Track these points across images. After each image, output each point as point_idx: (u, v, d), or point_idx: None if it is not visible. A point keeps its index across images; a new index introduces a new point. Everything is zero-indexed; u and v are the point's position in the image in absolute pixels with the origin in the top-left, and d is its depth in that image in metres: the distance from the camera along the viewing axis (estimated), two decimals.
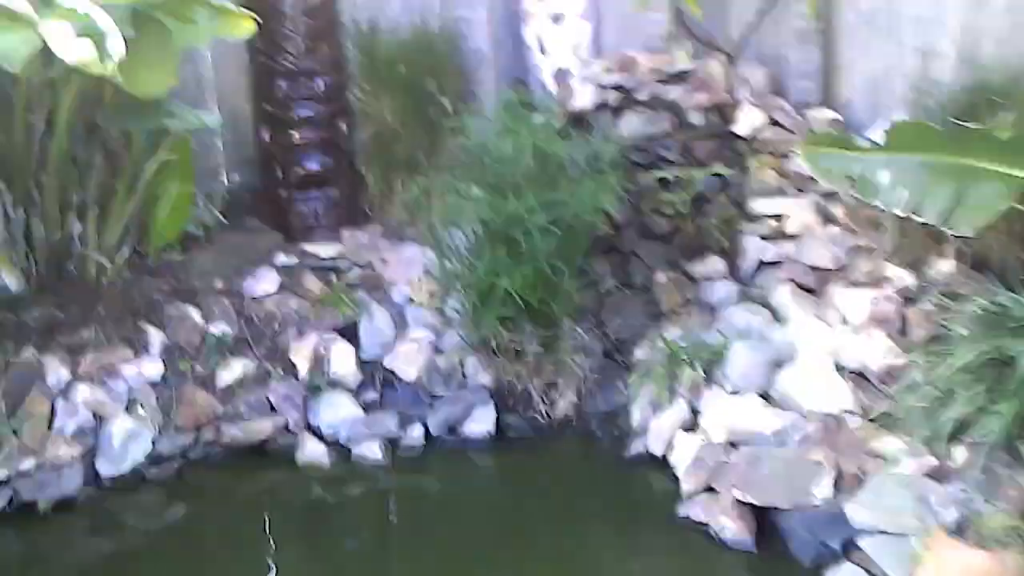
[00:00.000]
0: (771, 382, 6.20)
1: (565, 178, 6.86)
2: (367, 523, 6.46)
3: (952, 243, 6.22)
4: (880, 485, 5.06)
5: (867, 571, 4.84)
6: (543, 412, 6.97)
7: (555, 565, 5.74)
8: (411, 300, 7.65)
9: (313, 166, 8.51)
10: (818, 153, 5.79)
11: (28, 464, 6.29)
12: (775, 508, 5.44)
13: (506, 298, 6.68)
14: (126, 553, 6.15)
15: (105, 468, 6.54)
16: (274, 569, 5.86)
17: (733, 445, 5.93)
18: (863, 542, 4.89)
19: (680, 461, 6.17)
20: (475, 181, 6.90)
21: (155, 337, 7.16)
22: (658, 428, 6.46)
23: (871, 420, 5.62)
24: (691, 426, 6.33)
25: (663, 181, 7.32)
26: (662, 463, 6.37)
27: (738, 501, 5.53)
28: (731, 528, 5.49)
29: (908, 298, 6.22)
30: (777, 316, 6.75)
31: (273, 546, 6.10)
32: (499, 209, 6.64)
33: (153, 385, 6.96)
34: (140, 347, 7.10)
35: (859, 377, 5.96)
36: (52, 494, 6.30)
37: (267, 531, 6.26)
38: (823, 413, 5.78)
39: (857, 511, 4.98)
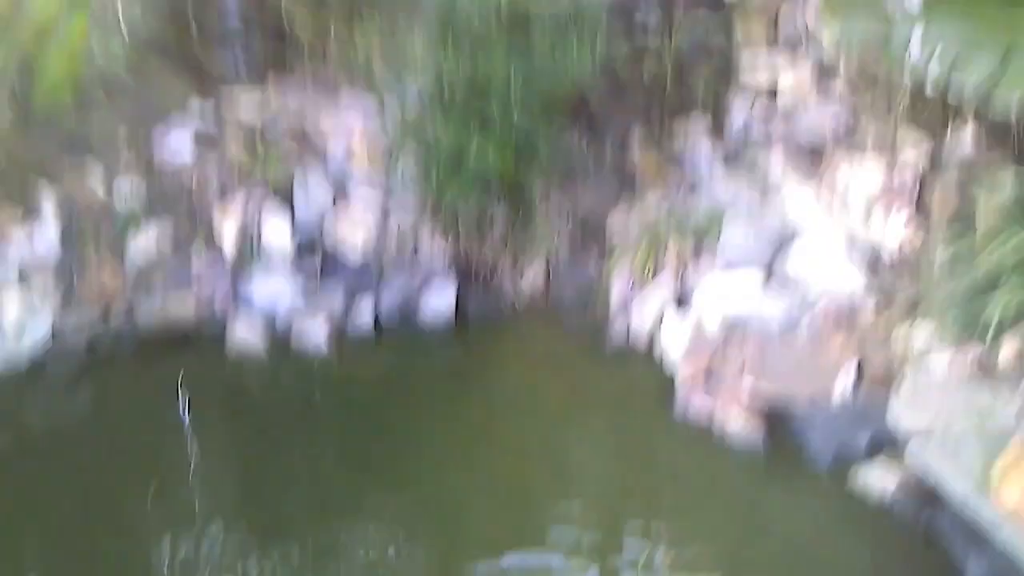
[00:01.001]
0: (773, 260, 5.55)
1: (542, 39, 5.92)
2: (303, 417, 5.52)
3: (968, 115, 5.59)
4: (919, 382, 4.49)
5: (899, 476, 4.33)
6: (509, 292, 6.21)
7: (528, 467, 4.97)
8: (352, 160, 6.65)
9: (231, 7, 7.26)
10: (837, 13, 5.04)
11: None
12: (787, 404, 4.86)
13: (472, 167, 5.81)
14: (25, 450, 5.14)
15: None
16: (191, 467, 5.01)
17: (733, 331, 5.30)
18: (905, 446, 4.33)
19: (670, 348, 5.52)
20: (439, 37, 5.88)
21: (49, 197, 6.05)
22: (641, 310, 5.78)
23: (891, 307, 5.04)
24: (681, 308, 5.66)
25: (642, 42, 6.47)
26: (646, 350, 5.71)
27: (745, 396, 4.92)
28: (737, 424, 4.88)
29: (925, 172, 5.60)
30: (769, 187, 6.08)
31: (190, 435, 5.21)
32: (465, 70, 5.70)
33: (48, 255, 5.93)
34: (31, 209, 6.00)
35: (872, 258, 5.35)
36: None
37: (185, 419, 5.32)
38: (835, 297, 5.17)
39: (900, 411, 4.40)
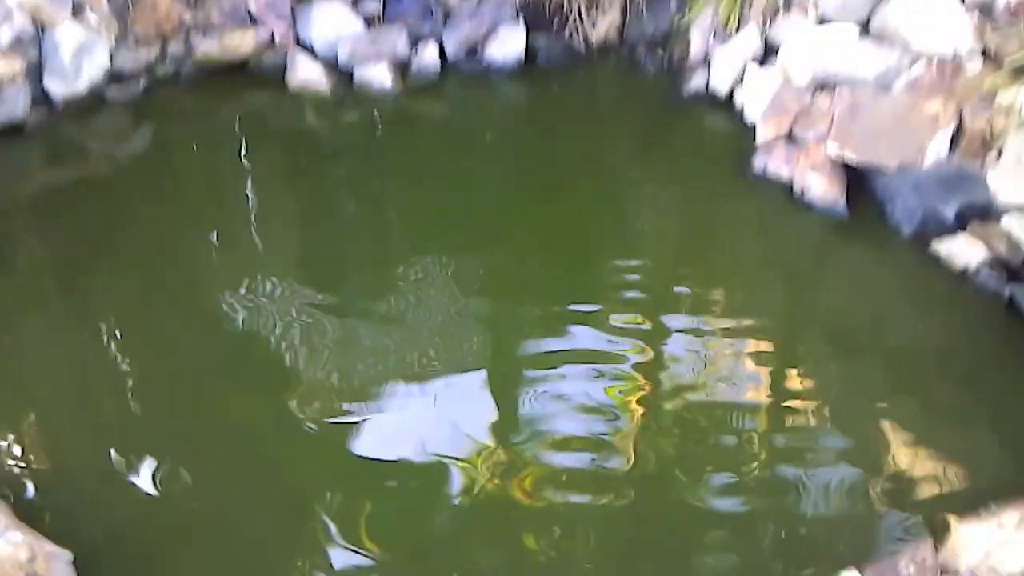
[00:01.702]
0: (871, 14, 5.12)
1: None
2: (364, 153, 5.43)
3: None
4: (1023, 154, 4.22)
5: (986, 249, 4.17)
6: (582, 35, 5.86)
7: (595, 217, 4.86)
8: None
9: None
10: None
11: None
12: (874, 168, 4.63)
13: None
14: (87, 181, 5.14)
15: (57, 87, 5.37)
16: (251, 198, 5.01)
17: (822, 87, 4.99)
18: (998, 219, 4.13)
19: (751, 102, 5.24)
20: None
21: None
22: (723, 60, 5.44)
23: (999, 70, 4.66)
24: (766, 61, 5.33)
25: None
26: (726, 103, 5.43)
27: (829, 157, 4.70)
28: (819, 187, 4.68)
29: None
30: None
31: (252, 174, 5.19)
32: None
33: None
34: None
35: (982, 14, 4.91)
36: None
37: (246, 158, 5.31)
38: (937, 55, 4.80)
39: (998, 182, 4.14)
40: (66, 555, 2.82)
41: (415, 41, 5.84)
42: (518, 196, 5.02)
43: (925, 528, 2.92)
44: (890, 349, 3.89)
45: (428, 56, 5.82)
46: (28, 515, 3.00)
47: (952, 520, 2.80)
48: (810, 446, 3.43)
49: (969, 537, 2.63)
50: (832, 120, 4.77)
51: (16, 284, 4.30)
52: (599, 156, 5.29)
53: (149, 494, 3.19)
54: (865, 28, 5.08)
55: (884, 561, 2.54)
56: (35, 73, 5.32)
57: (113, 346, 3.94)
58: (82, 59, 5.42)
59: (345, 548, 3.00)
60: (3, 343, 3.95)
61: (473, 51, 5.86)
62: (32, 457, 3.38)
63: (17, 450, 3.41)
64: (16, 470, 3.30)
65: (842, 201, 4.65)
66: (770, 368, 3.80)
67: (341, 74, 5.79)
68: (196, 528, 3.09)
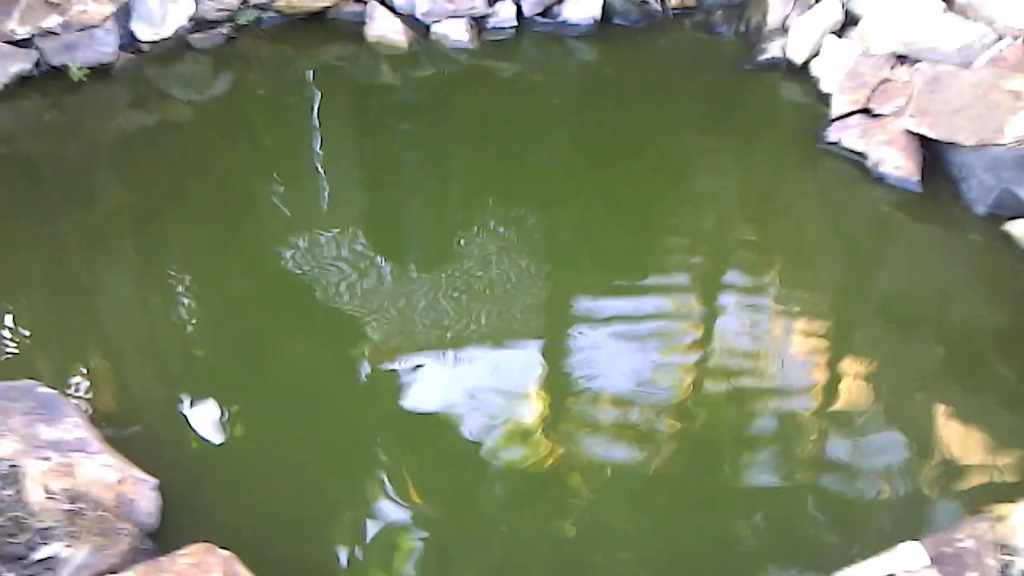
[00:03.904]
0: None
1: None
2: (436, 109, 5.51)
3: None
4: None
5: None
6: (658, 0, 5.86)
7: (666, 180, 4.88)
8: None
9: None
10: None
11: (53, 22, 5.27)
12: (950, 145, 4.59)
13: None
14: (169, 124, 5.33)
15: (143, 32, 5.54)
16: (321, 151, 5.12)
17: (901, 60, 4.94)
18: None
19: (828, 73, 5.21)
20: None
21: None
22: (801, 29, 5.40)
23: None
24: (844, 32, 5.28)
25: None
26: (802, 73, 5.40)
27: (905, 132, 4.66)
28: (893, 161, 4.65)
29: None
30: None
31: (324, 125, 5.30)
32: None
33: None
34: None
35: None
36: (85, 59, 5.36)
37: (319, 109, 5.43)
38: (1021, 32, 4.72)
39: None
40: (152, 481, 2.98)
41: (492, 1, 5.86)
42: (585, 158, 5.06)
43: (980, 507, 2.94)
44: (952, 328, 3.90)
45: (505, 13, 5.86)
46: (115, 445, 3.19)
47: (1010, 501, 2.83)
48: (864, 423, 3.44)
49: None
50: (911, 94, 4.73)
51: (96, 222, 4.49)
52: (669, 121, 5.30)
53: (218, 434, 3.35)
54: (949, 1, 5.01)
55: (942, 535, 2.58)
56: (124, 17, 5.49)
57: (182, 289, 4.10)
58: (168, 5, 5.56)
59: (392, 500, 3.11)
60: (83, 279, 4.15)
61: (549, 10, 5.87)
62: (115, 393, 3.57)
63: (103, 385, 3.60)
64: (103, 403, 3.48)
65: (916, 176, 4.62)
66: (827, 342, 3.83)
67: (418, 28, 5.85)
68: (257, 469, 3.24)
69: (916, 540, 2.57)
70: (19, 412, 3.00)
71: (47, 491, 2.74)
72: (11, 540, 2.60)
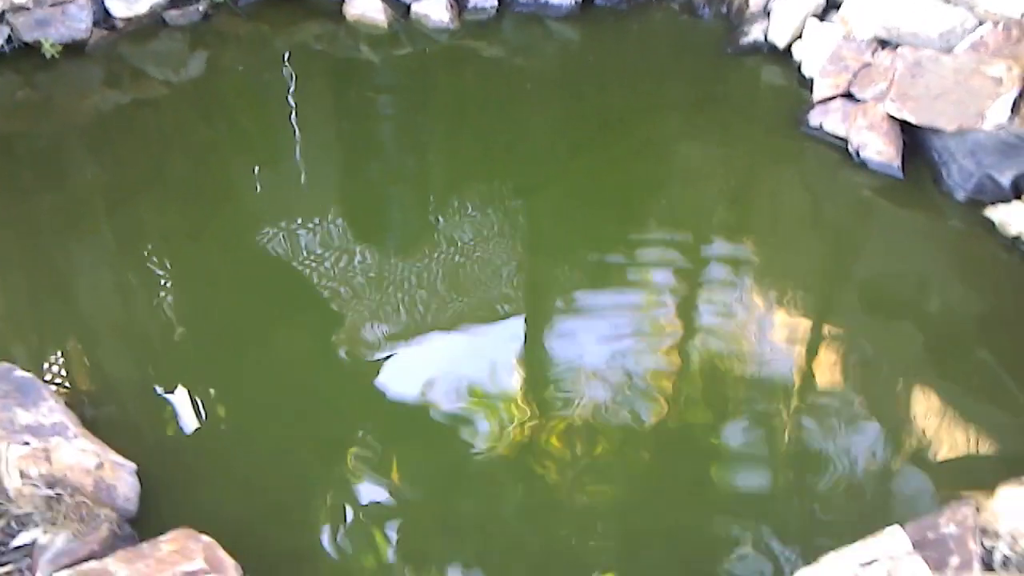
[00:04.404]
0: None
1: None
2: (415, 89, 5.47)
3: None
4: None
5: None
6: None
7: (643, 165, 4.84)
8: None
9: None
10: None
11: None
12: (931, 130, 4.60)
13: None
14: (144, 102, 5.26)
15: (118, 8, 5.46)
16: (299, 130, 5.06)
17: (883, 44, 4.94)
18: None
19: (810, 57, 5.20)
20: None
21: None
22: (783, 12, 5.39)
23: None
24: (826, 16, 5.27)
25: None
26: (784, 57, 5.39)
27: (886, 116, 4.67)
28: (874, 146, 4.65)
29: None
30: None
31: (301, 105, 5.23)
32: None
33: None
34: None
35: None
36: (58, 35, 5.27)
37: (297, 89, 5.37)
38: (1005, 15, 4.73)
39: None
40: (130, 465, 2.94)
41: None
42: (567, 140, 5.03)
43: (962, 493, 2.96)
44: (932, 313, 3.91)
45: None
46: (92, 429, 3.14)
47: (992, 486, 2.85)
48: (843, 408, 3.44)
49: (1009, 500, 2.68)
50: (892, 79, 4.73)
51: (69, 202, 4.41)
52: (651, 103, 5.28)
53: (197, 419, 3.31)
54: None
55: (925, 520, 2.59)
56: None
57: (160, 271, 4.04)
58: None
59: (374, 484, 3.09)
60: (58, 260, 4.08)
61: None
62: (92, 377, 3.52)
63: (80, 368, 3.55)
64: (79, 387, 3.43)
65: (897, 162, 4.62)
66: (808, 326, 3.83)
67: (398, 8, 5.79)
68: (236, 454, 3.20)
69: (898, 525, 2.58)
70: None
71: (24, 476, 2.70)
72: None
